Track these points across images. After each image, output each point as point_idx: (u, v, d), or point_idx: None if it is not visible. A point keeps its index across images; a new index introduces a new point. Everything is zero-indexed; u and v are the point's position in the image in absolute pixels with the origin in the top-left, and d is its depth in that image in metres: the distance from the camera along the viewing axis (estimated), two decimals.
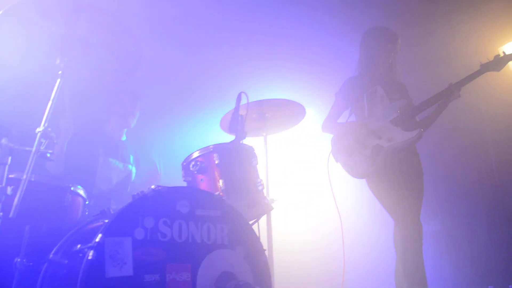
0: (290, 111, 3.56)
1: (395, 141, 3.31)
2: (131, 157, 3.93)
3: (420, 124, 3.44)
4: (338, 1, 4.88)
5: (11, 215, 2.08)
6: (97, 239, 1.85)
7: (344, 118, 3.64)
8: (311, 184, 5.96)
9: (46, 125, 2.33)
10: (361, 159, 3.38)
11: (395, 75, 3.66)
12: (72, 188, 2.59)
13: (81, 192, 2.68)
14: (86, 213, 2.79)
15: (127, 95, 3.88)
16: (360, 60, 3.69)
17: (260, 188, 2.76)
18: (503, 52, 3.40)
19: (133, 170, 3.89)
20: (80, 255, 1.89)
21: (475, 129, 5.04)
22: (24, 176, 2.18)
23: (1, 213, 2.11)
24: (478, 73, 3.36)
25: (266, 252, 2.50)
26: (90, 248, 1.83)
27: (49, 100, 2.40)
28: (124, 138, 3.94)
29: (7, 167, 2.23)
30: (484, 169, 5.03)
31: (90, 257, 1.80)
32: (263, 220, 3.04)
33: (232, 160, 2.68)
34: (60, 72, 2.48)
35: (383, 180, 3.30)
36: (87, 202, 2.78)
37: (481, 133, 5.12)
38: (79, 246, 1.94)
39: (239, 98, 2.79)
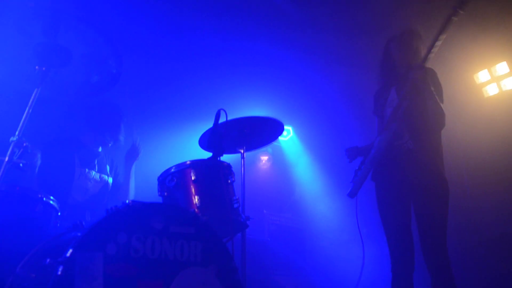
0: (269, 128, 3.56)
1: (374, 149, 3.11)
2: (108, 167, 3.88)
3: (397, 128, 3.09)
4: (318, 21, 4.98)
5: None
6: (68, 254, 1.81)
7: None
8: (288, 202, 5.98)
9: (20, 134, 2.29)
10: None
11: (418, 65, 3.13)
12: (44, 199, 2.53)
13: (53, 203, 2.62)
14: (58, 225, 2.73)
15: (107, 112, 3.84)
16: (378, 72, 3.50)
17: (236, 205, 2.75)
18: None
19: (110, 180, 3.84)
20: (49, 270, 1.84)
21: (449, 153, 5.15)
22: None
23: None
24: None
25: (239, 271, 2.49)
26: (60, 263, 1.79)
27: (25, 108, 2.37)
28: (100, 149, 3.90)
29: None
30: (458, 192, 5.13)
31: (59, 273, 1.76)
32: (237, 238, 3.03)
33: (209, 177, 2.68)
34: (38, 81, 2.45)
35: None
36: (59, 214, 2.72)
37: (456, 157, 5.23)
38: (48, 260, 1.89)
39: (217, 115, 2.79)
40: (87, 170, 3.66)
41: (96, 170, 3.75)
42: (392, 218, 3.11)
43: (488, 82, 5.26)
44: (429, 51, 3.01)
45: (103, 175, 3.79)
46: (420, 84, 2.99)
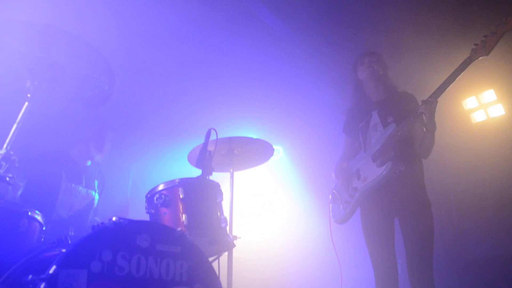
0: (259, 149, 3.58)
1: (367, 181, 3.08)
2: (96, 182, 3.85)
3: (394, 156, 3.03)
4: (307, 41, 5.04)
5: None
6: (51, 271, 1.78)
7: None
8: (275, 223, 5.95)
9: (8, 148, 2.28)
10: (338, 206, 3.30)
11: (393, 89, 3.34)
12: (29, 213, 2.50)
13: (39, 217, 2.59)
14: (42, 239, 2.69)
15: (97, 126, 3.83)
16: (351, 93, 3.53)
17: (223, 225, 2.74)
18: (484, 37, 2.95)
19: (96, 196, 3.81)
20: (31, 286, 1.81)
21: (437, 178, 5.18)
22: None
23: None
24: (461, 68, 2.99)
25: None
26: (42, 280, 1.76)
27: (14, 122, 2.36)
28: (89, 163, 3.87)
29: None
30: (444, 216, 5.16)
31: None
32: (224, 257, 3.01)
33: (197, 195, 2.67)
34: (29, 95, 2.45)
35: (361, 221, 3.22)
36: (44, 228, 2.69)
37: (443, 182, 5.27)
38: (30, 276, 1.86)
39: (208, 134, 2.80)
40: (73, 185, 3.64)
41: (83, 185, 3.72)
42: (376, 239, 3.11)
43: (476, 109, 5.35)
44: (444, 88, 2.99)
45: (90, 191, 3.76)
46: (427, 118, 3.00)
